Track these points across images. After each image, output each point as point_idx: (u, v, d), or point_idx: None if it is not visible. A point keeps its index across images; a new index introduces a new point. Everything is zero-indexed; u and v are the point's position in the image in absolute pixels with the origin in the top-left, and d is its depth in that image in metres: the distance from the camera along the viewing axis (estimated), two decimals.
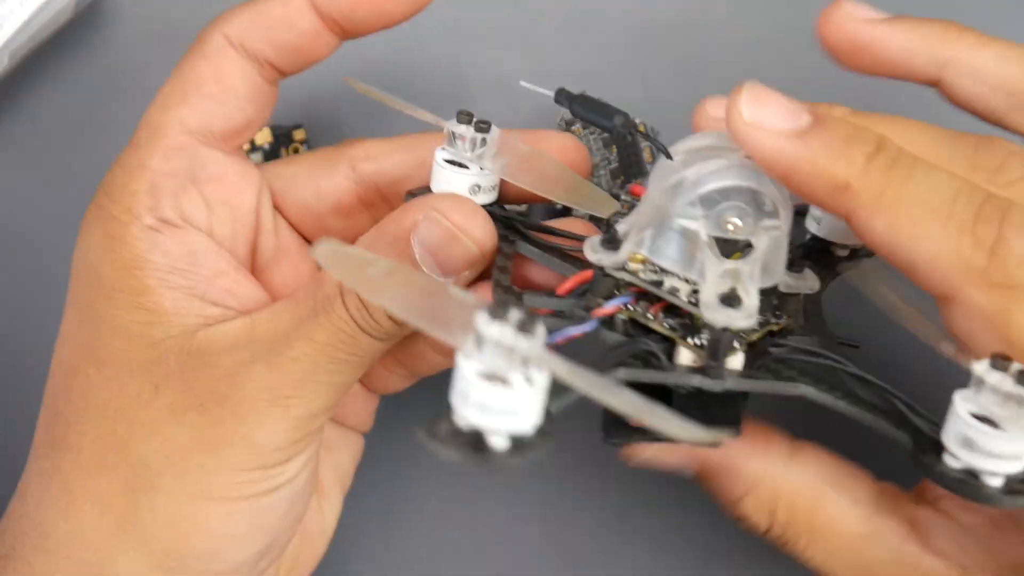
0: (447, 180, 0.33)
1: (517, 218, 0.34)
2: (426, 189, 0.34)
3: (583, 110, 0.32)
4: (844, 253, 0.34)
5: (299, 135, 0.44)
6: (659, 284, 0.30)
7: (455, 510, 0.42)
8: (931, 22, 0.32)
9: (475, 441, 0.24)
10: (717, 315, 0.28)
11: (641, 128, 0.42)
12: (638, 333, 0.30)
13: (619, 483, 0.42)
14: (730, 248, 0.29)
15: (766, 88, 0.29)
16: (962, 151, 0.30)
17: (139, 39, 0.45)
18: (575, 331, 0.29)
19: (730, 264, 0.29)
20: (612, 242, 0.30)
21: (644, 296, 0.30)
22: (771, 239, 0.29)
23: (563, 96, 0.33)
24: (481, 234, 0.32)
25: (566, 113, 0.42)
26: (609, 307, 0.30)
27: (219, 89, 0.34)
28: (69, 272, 0.34)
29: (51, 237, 0.42)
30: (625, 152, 0.42)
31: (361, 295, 0.25)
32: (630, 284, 0.30)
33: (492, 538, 0.42)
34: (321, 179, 0.37)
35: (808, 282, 0.31)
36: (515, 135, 0.34)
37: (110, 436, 0.32)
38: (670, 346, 0.30)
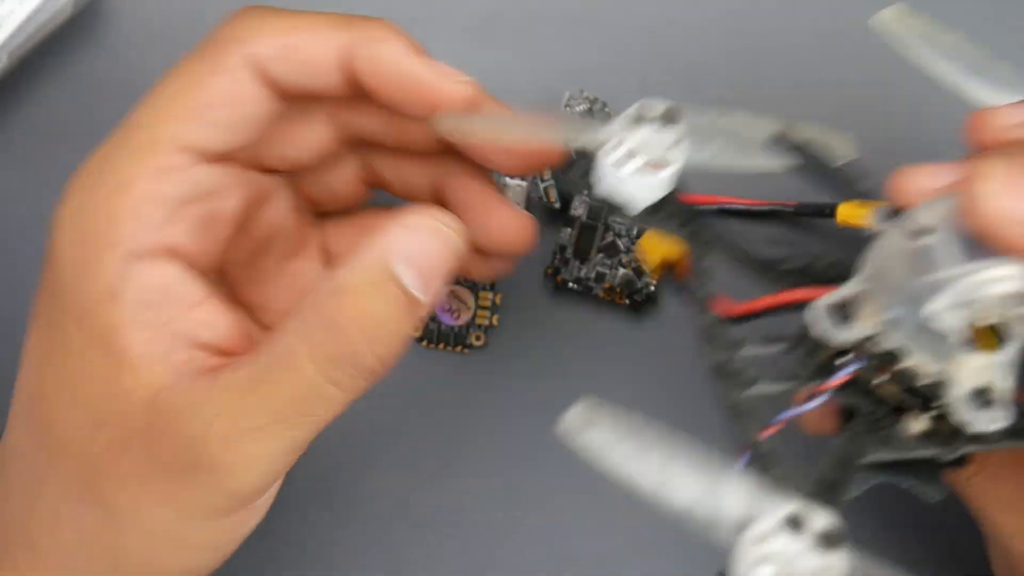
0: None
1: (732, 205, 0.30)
2: None
3: None
4: None
5: None
6: (896, 356, 0.28)
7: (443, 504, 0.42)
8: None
9: None
10: (968, 416, 0.27)
11: None
12: (857, 393, 0.29)
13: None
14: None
15: (1005, 165, 0.26)
16: None
17: (139, 39, 0.45)
18: (808, 408, 0.28)
19: (984, 359, 0.27)
20: (842, 314, 0.28)
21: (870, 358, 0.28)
22: None
23: None
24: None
25: (567, 104, 0.42)
26: (840, 378, 0.28)
27: (231, 112, 0.32)
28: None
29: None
30: None
31: None
32: (860, 350, 0.28)
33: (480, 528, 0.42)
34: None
35: None
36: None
37: (88, 479, 0.31)
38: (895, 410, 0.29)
